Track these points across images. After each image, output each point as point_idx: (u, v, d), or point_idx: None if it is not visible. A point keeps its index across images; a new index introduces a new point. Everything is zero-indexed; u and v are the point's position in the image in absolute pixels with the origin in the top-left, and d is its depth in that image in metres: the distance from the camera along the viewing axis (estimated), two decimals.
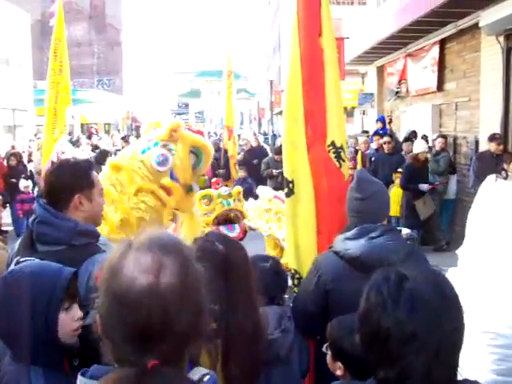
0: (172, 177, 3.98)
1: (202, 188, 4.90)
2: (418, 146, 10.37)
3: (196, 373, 1.21)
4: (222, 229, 5.62)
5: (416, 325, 1.35)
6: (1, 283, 1.93)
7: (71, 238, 2.42)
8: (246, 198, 6.36)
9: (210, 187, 7.92)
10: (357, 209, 2.91)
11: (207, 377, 1.21)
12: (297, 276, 3.54)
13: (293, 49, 3.66)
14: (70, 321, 1.93)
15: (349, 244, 2.78)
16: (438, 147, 10.60)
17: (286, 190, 3.62)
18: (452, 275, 2.26)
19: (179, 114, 51.74)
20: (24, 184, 11.43)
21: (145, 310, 1.06)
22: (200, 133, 4.55)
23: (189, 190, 4.18)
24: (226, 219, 5.83)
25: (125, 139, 13.73)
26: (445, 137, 10.99)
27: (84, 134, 23.54)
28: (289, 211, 3.62)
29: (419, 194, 9.94)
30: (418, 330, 1.35)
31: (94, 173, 2.76)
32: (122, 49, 44.60)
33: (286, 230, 3.69)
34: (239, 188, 6.34)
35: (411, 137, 12.07)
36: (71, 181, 2.58)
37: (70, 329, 1.93)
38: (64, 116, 9.91)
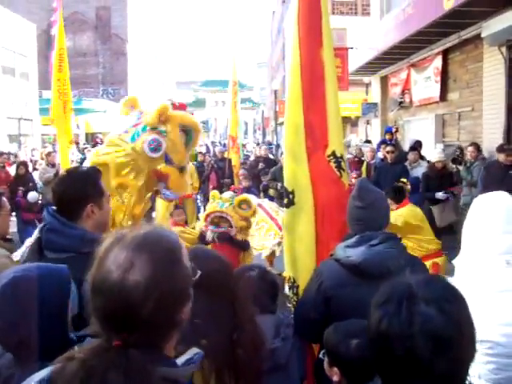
0: (167, 160, 3.85)
1: (193, 160, 4.79)
2: (435, 155, 10.20)
3: (186, 354, 1.36)
4: (210, 227, 5.92)
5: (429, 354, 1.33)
6: (10, 285, 1.95)
7: (80, 246, 2.43)
8: None
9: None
10: (357, 217, 2.94)
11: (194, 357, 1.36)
12: (295, 284, 3.56)
13: (293, 60, 3.69)
14: None
15: (349, 251, 2.81)
16: (469, 156, 9.91)
17: (285, 200, 3.64)
18: None
19: None
20: (32, 196, 11.48)
21: (112, 300, 1.22)
22: (183, 106, 4.38)
23: (181, 170, 4.04)
24: (216, 221, 5.95)
25: None
26: (476, 144, 10.09)
27: (89, 143, 23.59)
28: (288, 221, 3.64)
29: (438, 201, 9.71)
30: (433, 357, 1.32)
31: (101, 180, 2.76)
32: (128, 59, 44.81)
33: (284, 239, 3.71)
34: (244, 197, 6.36)
35: (416, 146, 11.98)
36: (83, 191, 2.60)
37: None
38: (70, 127, 10.06)
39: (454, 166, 10.40)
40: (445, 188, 9.76)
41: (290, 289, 3.59)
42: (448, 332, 1.33)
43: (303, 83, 3.62)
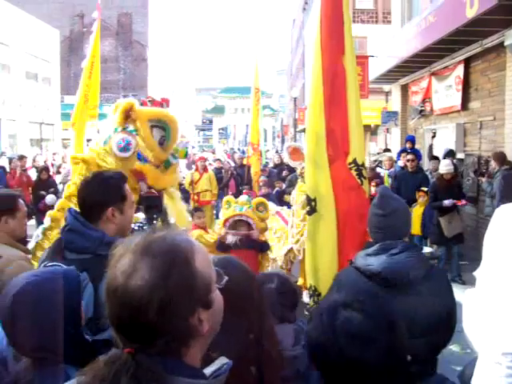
0: (141, 158, 3.83)
1: (183, 157, 4.59)
2: (442, 167, 10.19)
3: (214, 365, 1.32)
4: (231, 232, 5.92)
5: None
6: (23, 291, 1.97)
7: (97, 248, 2.45)
8: None
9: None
10: (379, 225, 2.92)
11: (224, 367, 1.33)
12: (316, 293, 3.54)
13: (315, 67, 3.69)
14: None
15: (370, 260, 2.79)
16: (493, 167, 9.71)
17: (307, 208, 3.63)
18: (470, 296, 2.24)
19: (203, 129, 52.17)
20: (50, 199, 11.60)
21: (117, 306, 1.23)
22: (165, 101, 4.27)
23: (166, 165, 3.98)
24: (235, 226, 5.96)
25: None
26: (498, 154, 9.76)
27: None
28: (310, 229, 3.64)
29: (446, 211, 9.70)
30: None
31: (126, 185, 2.77)
32: (148, 64, 45.17)
33: (306, 247, 3.71)
34: (261, 199, 6.47)
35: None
36: (104, 195, 2.63)
37: None
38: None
39: (476, 177, 10.22)
40: (454, 198, 9.73)
41: (310, 297, 3.57)
42: (366, 328, 1.52)
43: (325, 90, 3.62)
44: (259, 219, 5.98)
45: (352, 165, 3.61)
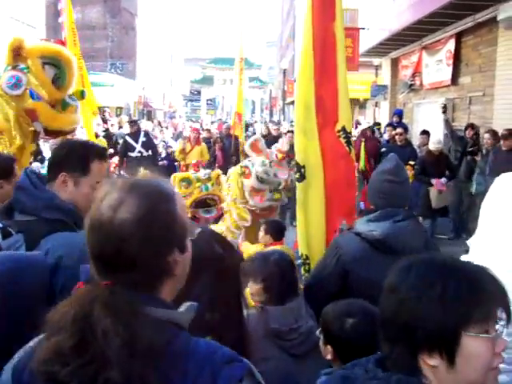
0: (34, 96, 3.69)
1: (79, 99, 4.40)
2: (431, 145, 10.19)
3: (182, 307, 1.36)
4: (200, 211, 5.83)
5: None
6: None
7: (43, 210, 2.25)
8: None
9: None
10: (390, 191, 2.90)
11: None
12: (307, 261, 3.53)
13: (306, 33, 3.62)
14: None
15: (372, 226, 2.80)
16: (486, 143, 9.55)
17: (297, 174, 3.60)
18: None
19: (191, 100, 51.75)
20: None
21: (101, 238, 1.27)
22: (60, 43, 4.17)
23: (63, 106, 3.85)
24: (204, 203, 5.88)
25: (132, 123, 13.41)
26: (494, 131, 9.58)
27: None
28: (300, 197, 3.61)
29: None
30: None
31: (99, 164, 2.46)
32: (137, 33, 44.47)
33: (298, 215, 3.67)
34: (218, 171, 6.44)
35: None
36: (63, 157, 2.41)
37: None
38: (93, 98, 10.15)
39: (471, 157, 10.08)
40: (441, 172, 9.86)
41: (302, 265, 3.56)
42: None
43: (316, 56, 3.56)
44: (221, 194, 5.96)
45: (341, 132, 3.58)
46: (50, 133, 4.07)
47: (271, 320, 2.62)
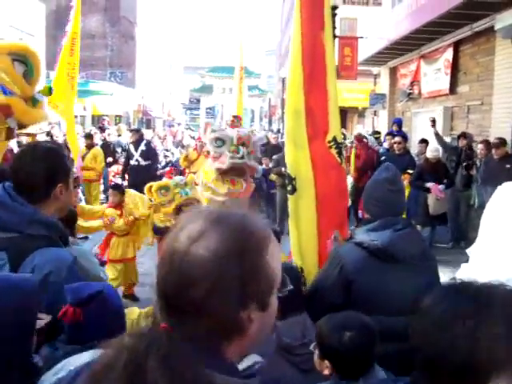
0: (6, 92, 3.63)
1: (46, 95, 4.43)
2: (428, 153, 10.19)
3: (248, 360, 1.19)
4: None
5: None
6: None
7: (27, 226, 2.12)
8: (256, 193, 6.39)
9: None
10: (387, 200, 2.91)
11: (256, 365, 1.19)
12: (302, 274, 3.51)
13: (295, 43, 3.59)
14: None
15: (373, 235, 2.78)
16: (479, 154, 9.61)
17: (289, 187, 3.58)
18: (464, 270, 2.24)
19: (190, 109, 51.74)
20: None
21: (168, 272, 1.09)
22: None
23: (33, 102, 3.82)
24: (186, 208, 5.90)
25: (134, 132, 13.36)
26: (487, 141, 9.64)
27: (95, 125, 23.54)
28: (292, 209, 3.59)
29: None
30: None
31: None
32: (136, 42, 44.59)
33: (290, 227, 3.65)
34: (192, 176, 6.45)
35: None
36: (54, 169, 2.27)
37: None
38: (72, 106, 10.13)
39: (466, 171, 10.08)
40: (439, 180, 9.71)
41: None
42: None
43: (304, 66, 3.54)
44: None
45: (332, 143, 3.56)
46: (20, 127, 4.10)
47: (282, 334, 2.58)
